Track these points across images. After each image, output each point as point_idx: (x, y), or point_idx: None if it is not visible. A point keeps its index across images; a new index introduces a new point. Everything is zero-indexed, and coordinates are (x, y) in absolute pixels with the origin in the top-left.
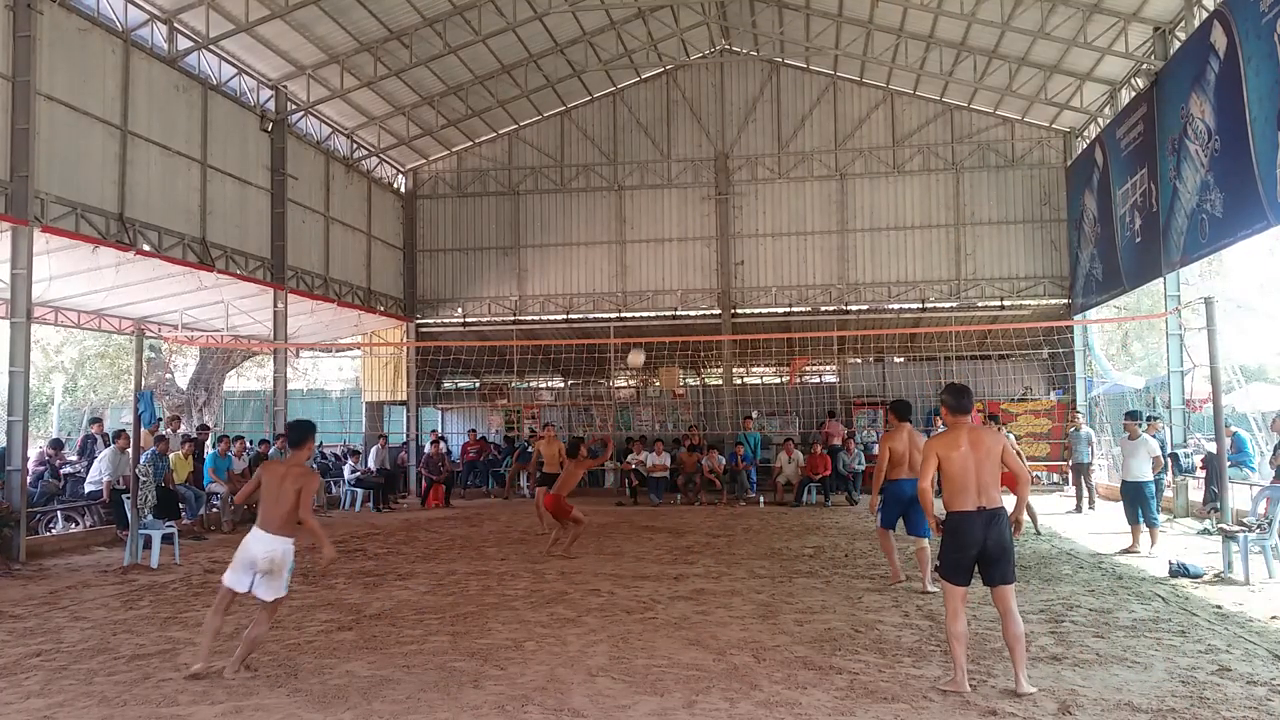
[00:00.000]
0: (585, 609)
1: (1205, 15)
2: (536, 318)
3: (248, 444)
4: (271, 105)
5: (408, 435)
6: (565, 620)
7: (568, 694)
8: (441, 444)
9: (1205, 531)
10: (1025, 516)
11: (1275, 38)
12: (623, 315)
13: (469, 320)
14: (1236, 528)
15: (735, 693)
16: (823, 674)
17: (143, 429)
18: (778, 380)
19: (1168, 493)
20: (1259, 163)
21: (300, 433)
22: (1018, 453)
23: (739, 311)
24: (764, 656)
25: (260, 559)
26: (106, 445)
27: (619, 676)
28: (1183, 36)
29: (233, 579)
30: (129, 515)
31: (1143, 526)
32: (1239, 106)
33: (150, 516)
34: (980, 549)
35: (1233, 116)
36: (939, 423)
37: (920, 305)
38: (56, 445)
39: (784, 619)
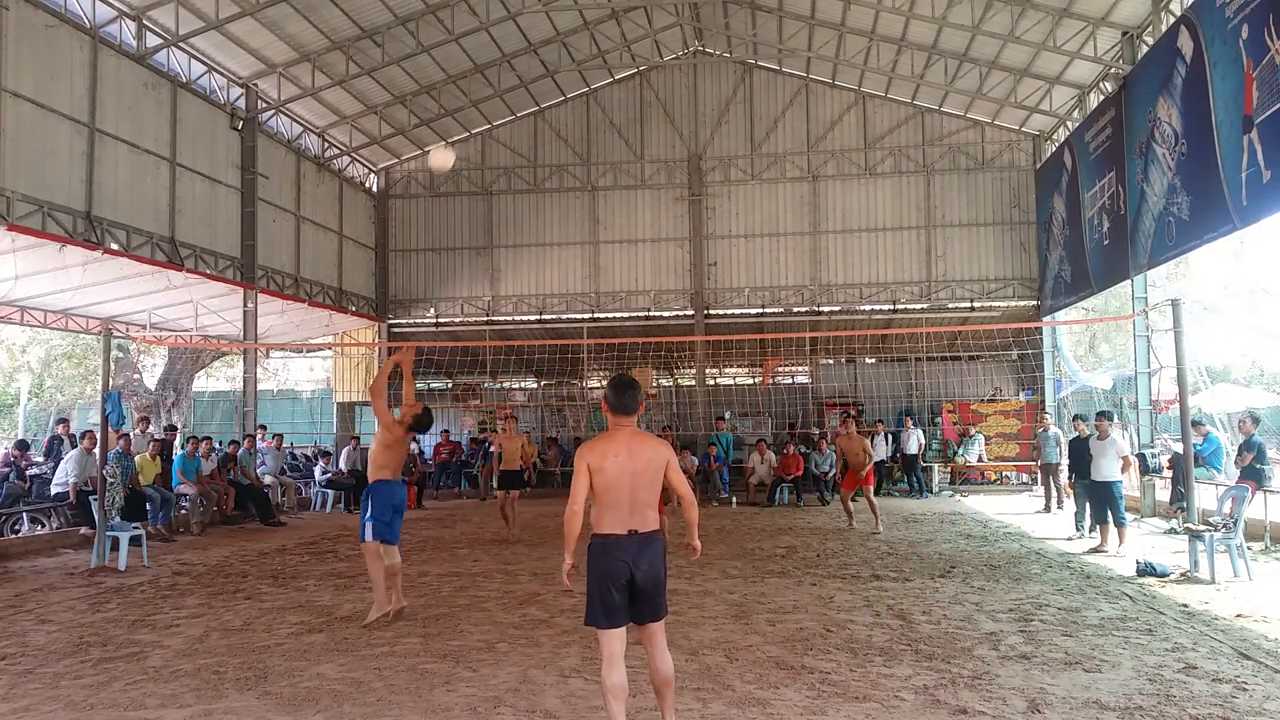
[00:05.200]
0: (558, 610)
1: (1172, 20)
2: (509, 318)
3: (215, 445)
4: (242, 103)
5: None
6: (538, 621)
7: (540, 695)
8: (413, 444)
9: (1172, 531)
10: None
11: (1240, 43)
12: (596, 316)
13: (441, 320)
14: (1202, 527)
15: (708, 693)
16: (794, 674)
17: (111, 430)
18: (750, 381)
19: (1134, 492)
20: (1224, 166)
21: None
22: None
23: (712, 312)
24: (736, 656)
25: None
26: (73, 446)
27: (591, 677)
28: (1150, 41)
29: None
30: (96, 517)
31: (1111, 526)
32: (1205, 111)
33: (118, 518)
34: (629, 580)
35: (1199, 120)
36: (909, 423)
37: (891, 306)
38: (22, 446)
39: (756, 619)
